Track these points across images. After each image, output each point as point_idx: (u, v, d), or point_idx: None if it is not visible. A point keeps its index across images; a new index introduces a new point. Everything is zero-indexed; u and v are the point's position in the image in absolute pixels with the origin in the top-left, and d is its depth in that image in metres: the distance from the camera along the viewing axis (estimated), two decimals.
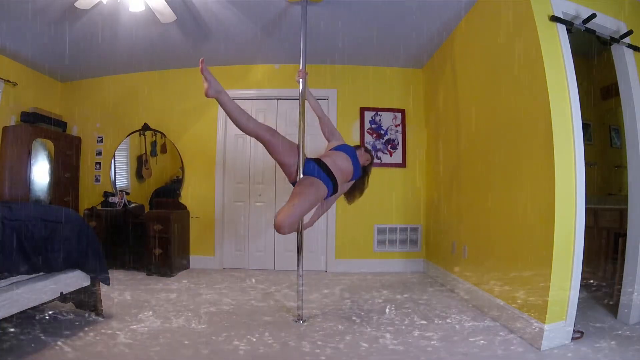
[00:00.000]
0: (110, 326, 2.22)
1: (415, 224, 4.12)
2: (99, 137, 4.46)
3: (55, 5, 2.89)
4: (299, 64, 2.63)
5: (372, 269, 4.02)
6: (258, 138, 2.27)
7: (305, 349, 2.00)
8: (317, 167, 2.38)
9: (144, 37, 3.47)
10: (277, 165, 2.57)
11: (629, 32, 2.35)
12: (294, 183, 2.43)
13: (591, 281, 2.93)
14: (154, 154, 4.38)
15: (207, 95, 2.13)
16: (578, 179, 2.03)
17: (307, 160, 2.44)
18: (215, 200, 4.15)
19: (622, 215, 2.66)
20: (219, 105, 2.24)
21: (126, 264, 3.83)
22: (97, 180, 4.43)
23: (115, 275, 3.36)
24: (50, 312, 2.34)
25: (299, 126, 2.57)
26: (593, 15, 2.20)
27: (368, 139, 4.16)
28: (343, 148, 2.58)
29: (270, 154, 2.39)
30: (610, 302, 2.57)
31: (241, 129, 2.24)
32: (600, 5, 2.32)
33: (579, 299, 2.05)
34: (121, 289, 3.05)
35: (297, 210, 2.14)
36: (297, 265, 2.56)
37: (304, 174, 2.40)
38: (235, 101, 4.39)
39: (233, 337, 2.13)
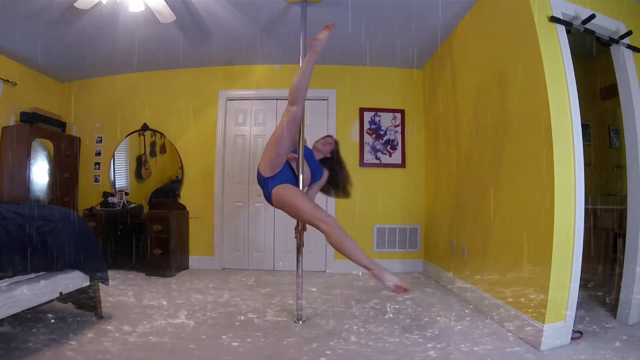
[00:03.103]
0: (110, 326, 2.22)
1: (414, 225, 4.12)
2: (98, 137, 4.45)
3: (55, 5, 2.89)
4: (299, 64, 2.63)
5: None
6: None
7: (304, 349, 2.00)
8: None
9: (143, 37, 3.47)
10: None
11: (629, 33, 2.36)
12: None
13: (590, 281, 2.94)
14: (153, 154, 4.37)
15: None
16: (577, 180, 2.03)
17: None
18: (214, 201, 4.15)
19: (622, 215, 2.67)
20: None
21: (125, 264, 3.82)
22: (97, 181, 4.43)
23: (114, 275, 3.36)
24: (49, 313, 2.34)
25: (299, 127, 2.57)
26: (592, 16, 2.20)
27: (367, 139, 4.16)
28: None
29: None
30: (610, 303, 2.57)
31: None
32: (600, 6, 2.32)
33: (578, 299, 2.05)
34: (120, 290, 3.05)
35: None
36: (297, 266, 2.56)
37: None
38: (235, 101, 4.41)
39: (232, 337, 2.13)
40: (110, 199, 4.12)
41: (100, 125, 4.45)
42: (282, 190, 2.25)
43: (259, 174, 2.37)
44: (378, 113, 4.19)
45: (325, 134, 2.95)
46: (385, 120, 4.19)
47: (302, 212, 2.22)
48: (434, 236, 3.85)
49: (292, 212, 2.29)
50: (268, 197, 2.35)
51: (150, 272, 3.66)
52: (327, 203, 4.01)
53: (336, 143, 2.70)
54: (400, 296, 3.03)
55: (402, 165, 4.17)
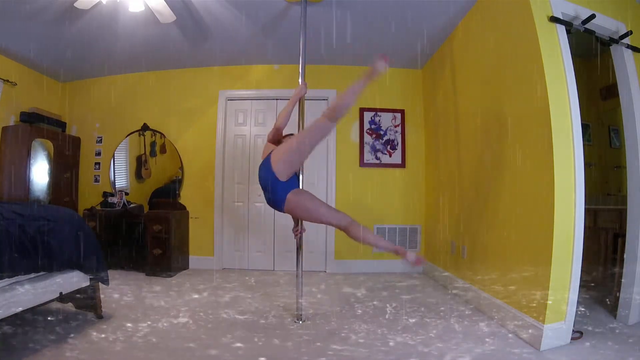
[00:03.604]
0: (109, 326, 2.22)
1: (414, 224, 4.12)
2: (98, 137, 4.45)
3: (55, 5, 2.89)
4: (299, 64, 2.64)
5: (372, 269, 4.02)
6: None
7: (304, 349, 2.00)
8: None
9: (143, 37, 3.47)
10: None
11: (629, 33, 2.36)
12: None
13: (591, 281, 2.93)
14: (153, 154, 4.37)
15: None
16: (577, 179, 2.03)
17: None
18: (214, 201, 4.15)
19: (622, 215, 2.67)
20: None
21: (125, 265, 3.82)
22: (97, 181, 4.42)
23: (114, 275, 3.35)
24: (49, 313, 2.33)
25: (299, 126, 2.58)
26: (592, 16, 2.20)
27: (367, 139, 4.16)
28: None
29: None
30: (610, 303, 2.57)
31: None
32: (600, 6, 2.32)
33: (578, 299, 2.05)
34: (120, 290, 3.05)
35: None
36: (297, 266, 2.56)
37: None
38: (235, 101, 4.40)
39: (232, 337, 2.13)
40: (110, 199, 4.12)
41: (100, 125, 4.45)
42: (300, 196, 2.21)
43: (270, 175, 2.18)
44: (378, 113, 4.19)
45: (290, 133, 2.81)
46: (385, 120, 4.19)
47: (321, 215, 2.24)
48: (434, 236, 3.85)
49: (307, 215, 2.27)
50: (279, 202, 2.22)
51: (150, 272, 3.66)
52: (327, 201, 4.01)
53: None
54: (398, 295, 3.04)
55: (402, 165, 4.16)
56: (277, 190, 2.21)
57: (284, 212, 2.30)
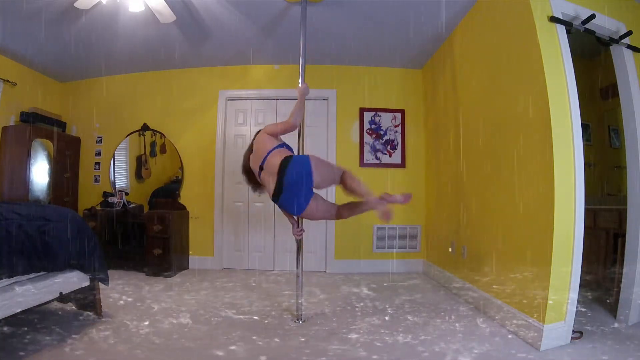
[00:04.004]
0: (109, 326, 2.22)
1: (414, 225, 4.12)
2: (98, 137, 4.45)
3: (55, 5, 2.89)
4: (299, 64, 2.64)
5: (372, 269, 4.02)
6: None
7: (304, 350, 2.00)
8: None
9: (143, 37, 3.47)
10: None
11: (629, 33, 2.36)
12: None
13: (590, 281, 2.93)
14: (153, 154, 4.37)
15: None
16: (577, 180, 2.03)
17: None
18: (214, 201, 4.15)
19: (622, 215, 2.67)
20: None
21: (125, 264, 3.82)
22: (97, 181, 4.42)
23: (114, 275, 3.34)
24: (49, 313, 2.34)
25: (299, 127, 2.57)
26: (592, 16, 2.21)
27: (367, 139, 4.16)
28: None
29: None
30: (610, 303, 2.57)
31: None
32: (600, 6, 2.32)
33: (578, 299, 2.05)
34: (120, 290, 3.05)
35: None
36: (297, 266, 2.56)
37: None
38: (235, 101, 4.39)
39: (232, 337, 2.13)
40: (110, 199, 4.12)
41: (100, 125, 4.45)
42: (317, 202, 2.28)
43: (308, 179, 2.08)
44: (378, 113, 4.19)
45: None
46: (385, 120, 4.19)
47: (326, 214, 2.36)
48: (434, 236, 3.85)
49: (317, 217, 2.35)
50: (301, 206, 2.19)
51: (150, 272, 3.66)
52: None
53: None
54: (399, 295, 3.04)
55: (402, 165, 4.16)
56: (305, 195, 2.17)
57: (297, 216, 2.39)
